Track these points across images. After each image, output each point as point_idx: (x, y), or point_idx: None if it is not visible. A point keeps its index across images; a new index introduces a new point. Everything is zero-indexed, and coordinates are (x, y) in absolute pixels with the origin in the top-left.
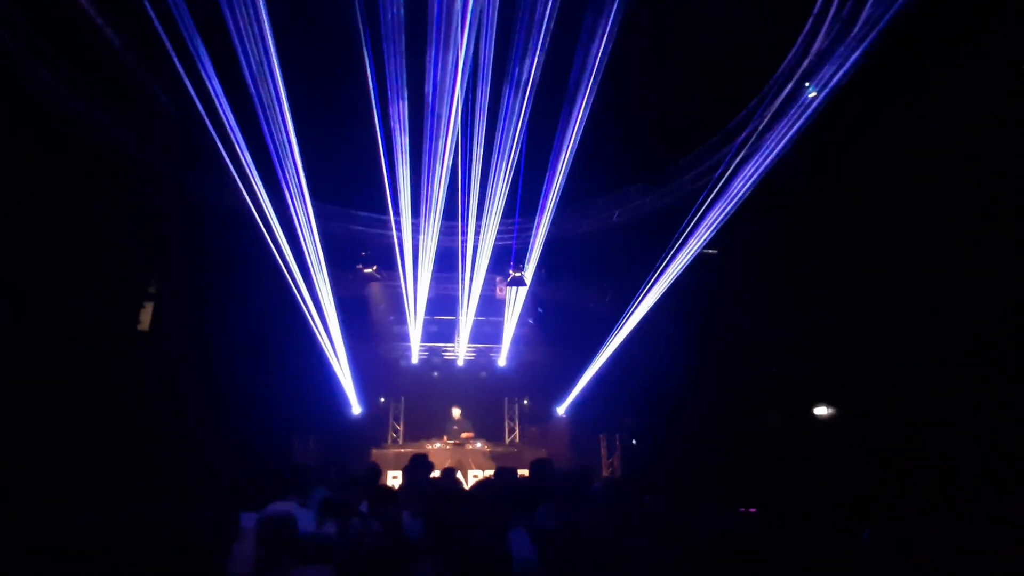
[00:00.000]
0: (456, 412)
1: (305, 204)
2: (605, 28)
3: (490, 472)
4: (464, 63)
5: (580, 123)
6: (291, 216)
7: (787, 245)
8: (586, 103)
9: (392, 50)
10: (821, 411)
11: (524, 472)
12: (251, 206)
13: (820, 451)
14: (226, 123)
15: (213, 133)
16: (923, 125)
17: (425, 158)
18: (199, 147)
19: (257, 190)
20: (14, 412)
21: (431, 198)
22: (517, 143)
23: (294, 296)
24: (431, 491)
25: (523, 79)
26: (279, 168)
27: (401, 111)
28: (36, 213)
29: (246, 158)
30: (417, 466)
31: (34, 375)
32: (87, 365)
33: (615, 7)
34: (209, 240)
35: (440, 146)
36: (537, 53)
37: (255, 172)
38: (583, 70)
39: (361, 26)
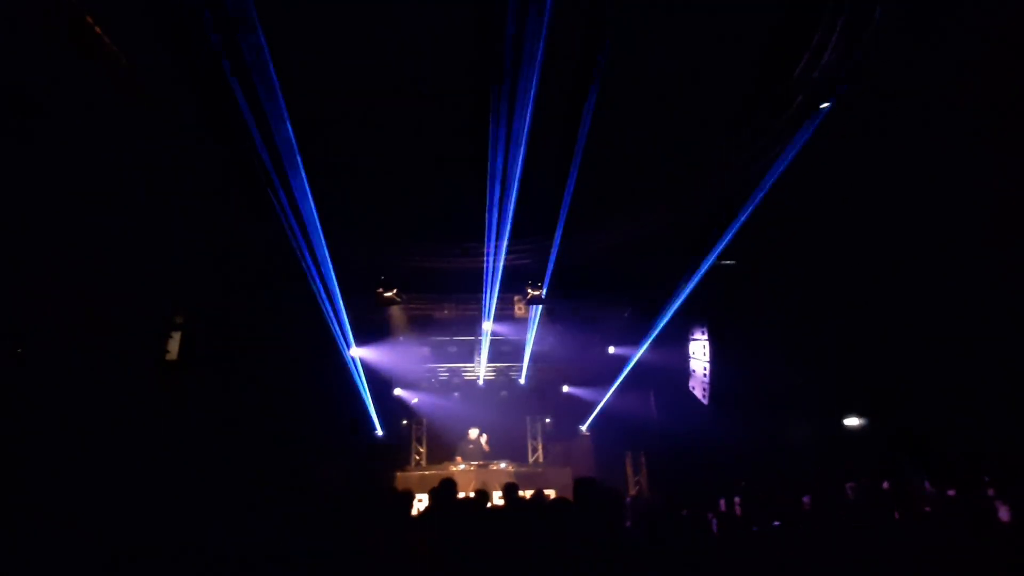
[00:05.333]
0: (473, 433)
1: (328, 232)
2: (616, 40)
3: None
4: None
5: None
6: (315, 242)
7: (805, 253)
8: (598, 118)
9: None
10: (850, 422)
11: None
12: (277, 232)
13: (850, 462)
14: (257, 155)
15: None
16: (939, 127)
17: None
18: (229, 179)
19: (283, 217)
20: (40, 443)
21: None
22: (531, 161)
23: (320, 320)
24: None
25: (535, 95)
26: (306, 195)
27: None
28: (62, 244)
29: (274, 186)
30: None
31: (57, 408)
32: (114, 396)
33: (627, 21)
34: (236, 268)
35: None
36: (549, 69)
37: (282, 200)
38: (595, 84)
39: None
